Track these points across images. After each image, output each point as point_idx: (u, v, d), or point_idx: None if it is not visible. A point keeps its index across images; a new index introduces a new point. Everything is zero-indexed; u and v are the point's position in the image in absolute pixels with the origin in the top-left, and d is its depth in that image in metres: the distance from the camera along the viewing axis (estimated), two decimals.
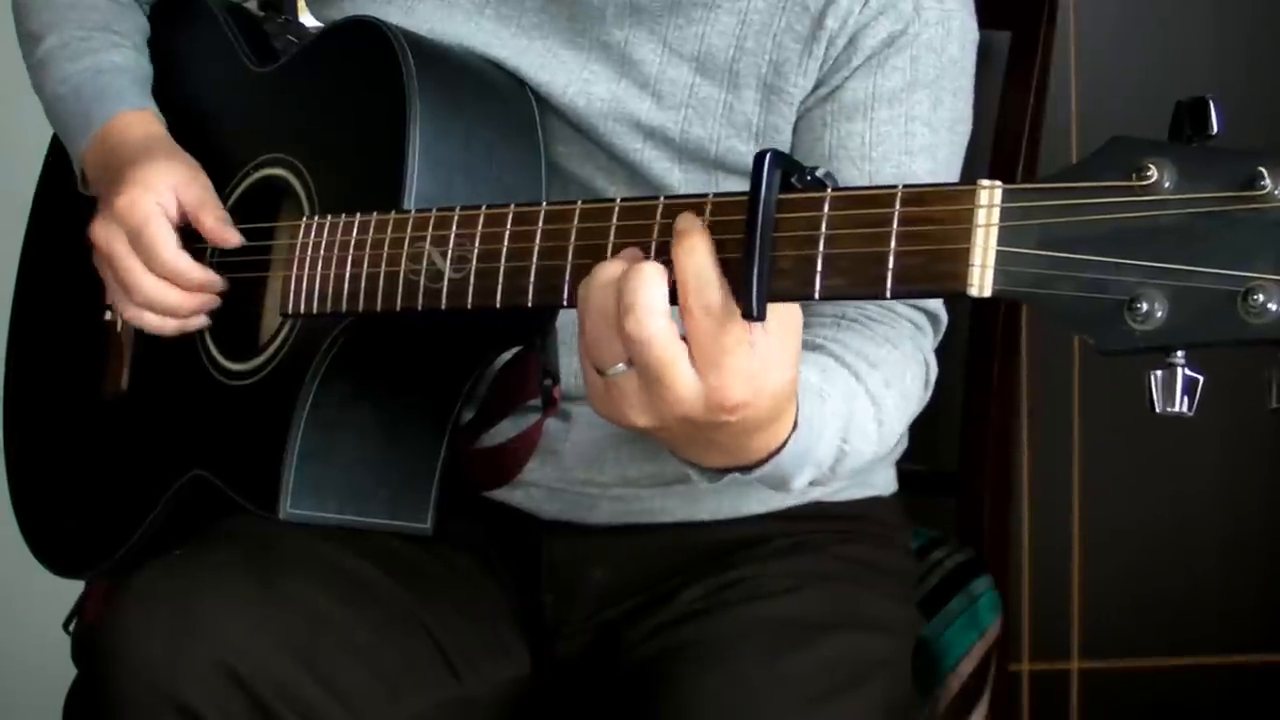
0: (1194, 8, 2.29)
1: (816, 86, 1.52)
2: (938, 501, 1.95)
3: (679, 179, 1.54)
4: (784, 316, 1.15)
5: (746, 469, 1.27)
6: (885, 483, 1.72)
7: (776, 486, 1.33)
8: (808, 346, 1.42)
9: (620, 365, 1.17)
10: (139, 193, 1.57)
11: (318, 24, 1.67)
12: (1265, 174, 0.96)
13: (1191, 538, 2.37)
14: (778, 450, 1.25)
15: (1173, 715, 2.40)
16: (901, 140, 1.51)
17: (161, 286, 1.58)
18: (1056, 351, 2.30)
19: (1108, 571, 2.37)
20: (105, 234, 1.59)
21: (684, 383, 1.15)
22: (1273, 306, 0.95)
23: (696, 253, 1.13)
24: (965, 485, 1.99)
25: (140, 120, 1.68)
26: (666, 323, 1.14)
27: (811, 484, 1.37)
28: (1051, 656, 2.39)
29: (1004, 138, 1.96)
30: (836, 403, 1.35)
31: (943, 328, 1.57)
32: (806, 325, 1.44)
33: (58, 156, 1.82)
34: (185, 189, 1.59)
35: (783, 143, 1.52)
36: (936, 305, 1.56)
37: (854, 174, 1.50)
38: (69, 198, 1.73)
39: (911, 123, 1.51)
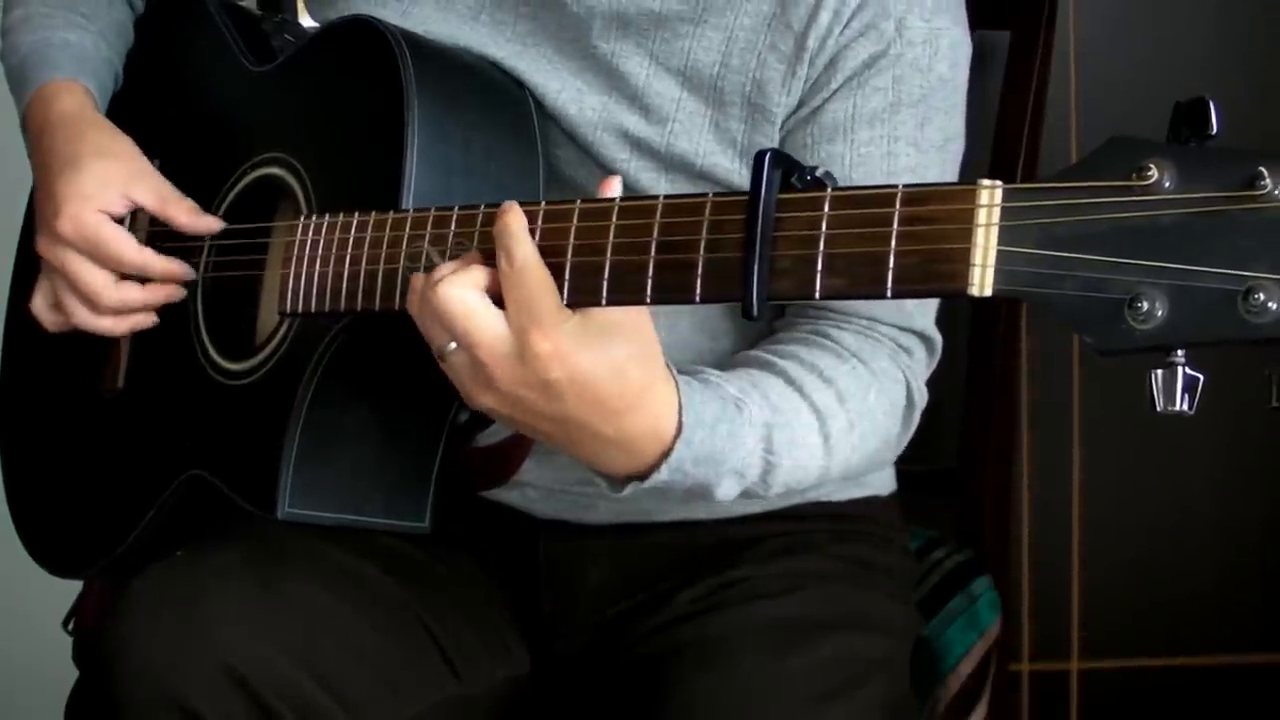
0: (1193, 8, 2.29)
1: (799, 107, 1.51)
2: (938, 501, 1.95)
3: (666, 189, 1.53)
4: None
5: (644, 476, 1.32)
6: (883, 482, 1.71)
7: (700, 495, 1.38)
8: (754, 364, 1.45)
9: (452, 344, 1.26)
10: (78, 207, 1.58)
11: (315, 25, 1.67)
12: (1265, 174, 0.96)
13: (1191, 538, 2.37)
14: (667, 454, 1.31)
15: (1173, 715, 2.40)
16: (884, 161, 1.49)
17: (127, 289, 1.60)
18: (1056, 351, 2.30)
19: (1108, 571, 2.37)
20: (55, 254, 1.60)
21: (488, 325, 1.24)
22: (1273, 306, 0.96)
23: (510, 219, 1.24)
24: (965, 485, 1.99)
25: (61, 91, 1.68)
26: (462, 278, 1.25)
27: (746, 496, 1.41)
28: (1051, 656, 2.39)
29: (1004, 138, 1.96)
30: (755, 411, 1.38)
31: (937, 350, 1.56)
32: (775, 340, 1.46)
33: None
34: (135, 187, 1.61)
35: None
36: (927, 325, 1.54)
37: None
38: None
39: (895, 143, 1.50)
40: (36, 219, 1.64)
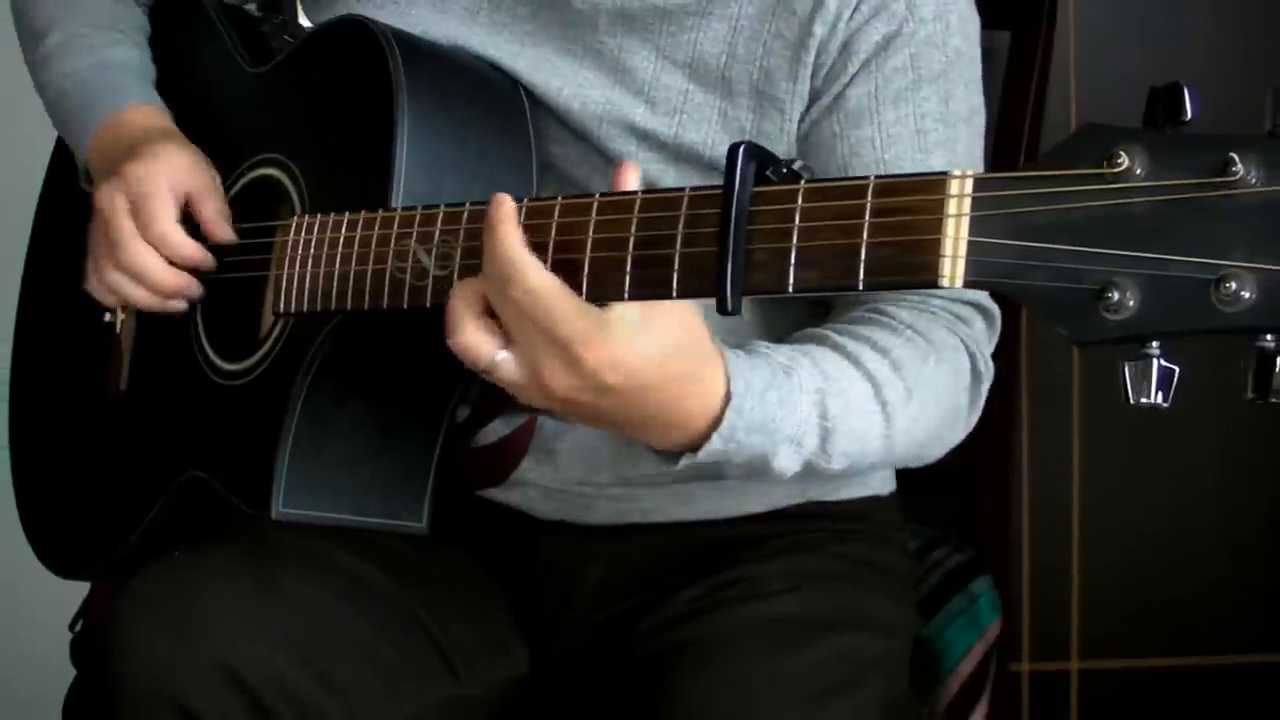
0: (1192, 7, 2.28)
1: (818, 97, 1.51)
2: (938, 501, 1.94)
3: (673, 181, 1.53)
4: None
5: (697, 448, 1.30)
6: (883, 482, 1.71)
7: (759, 469, 1.35)
8: (806, 339, 1.43)
9: (500, 354, 1.24)
10: (154, 164, 1.59)
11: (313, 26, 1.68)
12: (1237, 160, 0.95)
13: (1191, 538, 2.36)
14: (718, 423, 1.28)
15: (1173, 715, 2.39)
16: (914, 139, 1.49)
17: (147, 253, 1.59)
18: (1056, 351, 2.30)
19: (1108, 571, 2.37)
20: (109, 196, 1.59)
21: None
22: (1245, 294, 0.95)
23: (505, 246, 1.21)
24: (965, 485, 1.98)
25: (150, 113, 1.69)
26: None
27: (809, 468, 1.37)
28: (1051, 656, 2.38)
29: (1003, 137, 1.95)
30: (805, 377, 1.35)
31: (996, 321, 1.54)
32: (831, 321, 1.46)
33: (62, 158, 1.83)
34: (192, 176, 1.60)
35: (775, 149, 1.51)
36: (981, 296, 1.52)
37: None
38: (73, 200, 1.73)
39: (923, 120, 1.49)
40: (108, 174, 1.63)
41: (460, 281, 1.27)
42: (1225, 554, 2.37)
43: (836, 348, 1.41)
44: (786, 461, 1.35)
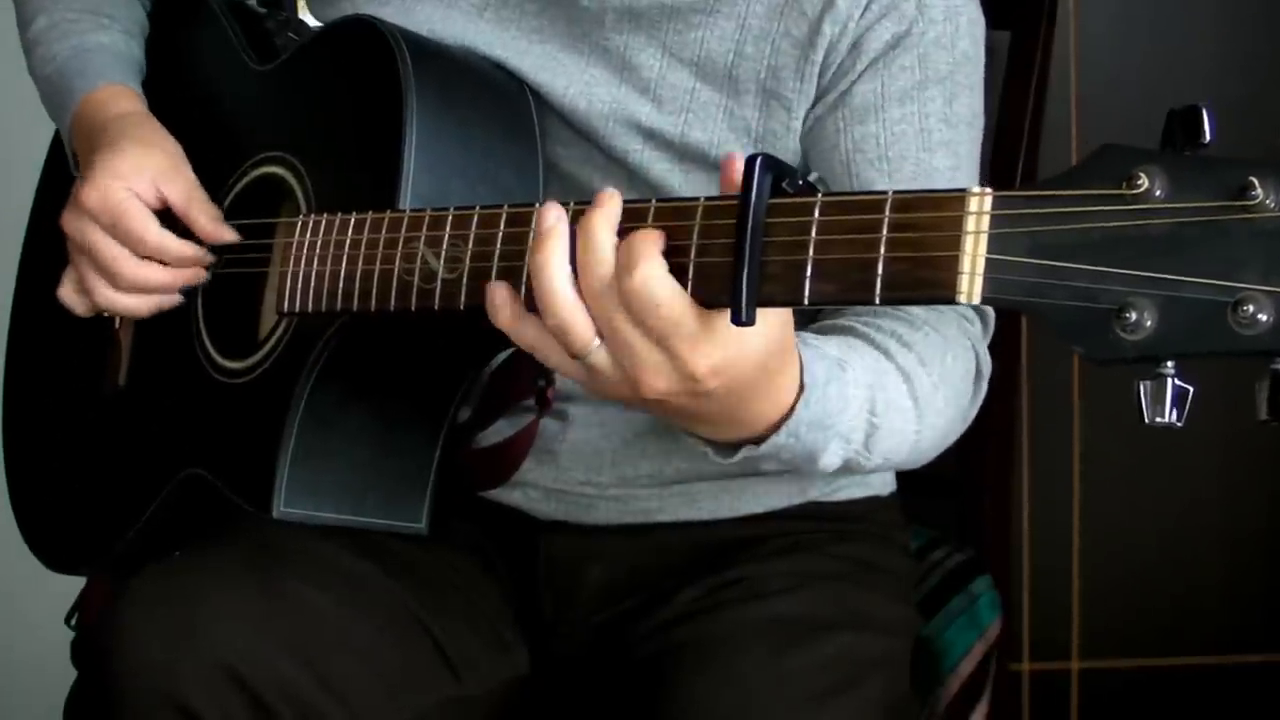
0: (1194, 8, 2.28)
1: (824, 94, 1.51)
2: (938, 501, 1.94)
3: (680, 180, 1.53)
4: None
5: (759, 440, 1.27)
6: (883, 482, 1.71)
7: (805, 465, 1.32)
8: (837, 330, 1.43)
9: (596, 341, 1.19)
10: (108, 182, 1.57)
11: (318, 23, 1.67)
12: (1256, 183, 0.95)
13: (1191, 538, 2.37)
14: (786, 417, 1.26)
15: (1173, 715, 2.40)
16: (918, 138, 1.49)
17: (147, 268, 1.59)
18: (1056, 352, 2.29)
19: (1108, 571, 2.37)
20: (78, 226, 1.59)
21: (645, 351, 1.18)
22: (1262, 317, 0.95)
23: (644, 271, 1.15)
24: (965, 485, 1.98)
25: (117, 95, 1.68)
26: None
27: (848, 466, 1.36)
28: (1051, 656, 2.39)
29: (1004, 137, 1.95)
30: (859, 373, 1.34)
31: (991, 324, 1.55)
32: (843, 311, 1.46)
33: (58, 151, 1.83)
34: (167, 181, 1.60)
35: (781, 148, 1.51)
36: None
37: (873, 176, 1.49)
38: (69, 192, 1.72)
39: (927, 119, 1.50)
40: (70, 196, 1.63)
41: (545, 266, 1.19)
42: (1226, 554, 2.37)
43: (868, 340, 1.41)
44: (832, 458, 1.33)
